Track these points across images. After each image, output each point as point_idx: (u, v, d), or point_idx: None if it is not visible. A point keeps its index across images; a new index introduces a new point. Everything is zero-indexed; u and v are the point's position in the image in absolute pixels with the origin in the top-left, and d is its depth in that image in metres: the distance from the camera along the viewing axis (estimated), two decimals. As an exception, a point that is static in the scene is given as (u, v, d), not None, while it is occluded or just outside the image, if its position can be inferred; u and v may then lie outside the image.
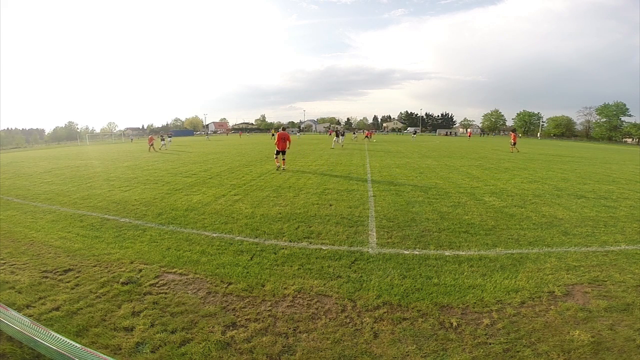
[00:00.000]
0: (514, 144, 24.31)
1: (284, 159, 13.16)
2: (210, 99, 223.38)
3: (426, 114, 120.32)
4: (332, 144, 27.70)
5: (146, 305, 3.33)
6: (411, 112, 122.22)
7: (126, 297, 3.51)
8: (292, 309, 3.31)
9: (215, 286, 3.73)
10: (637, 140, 74.61)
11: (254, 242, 5.07)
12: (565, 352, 2.64)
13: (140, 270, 4.12)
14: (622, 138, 78.81)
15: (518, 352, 2.66)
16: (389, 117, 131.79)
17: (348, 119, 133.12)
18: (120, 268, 4.20)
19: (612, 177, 12.32)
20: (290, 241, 5.10)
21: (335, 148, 25.40)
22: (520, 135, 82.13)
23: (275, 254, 4.62)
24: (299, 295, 3.55)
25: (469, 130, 74.80)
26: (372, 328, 2.97)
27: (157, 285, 3.77)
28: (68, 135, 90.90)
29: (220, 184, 9.94)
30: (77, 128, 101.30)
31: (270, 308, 3.31)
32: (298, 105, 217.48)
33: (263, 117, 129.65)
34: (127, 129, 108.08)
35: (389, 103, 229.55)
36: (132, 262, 4.36)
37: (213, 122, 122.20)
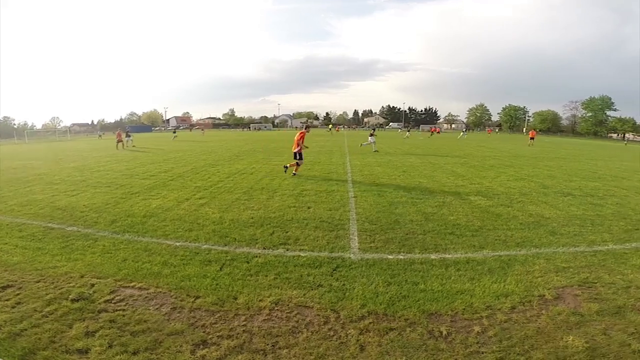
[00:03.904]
0: (532, 138, 32.44)
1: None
2: (170, 89, 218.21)
3: (409, 108, 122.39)
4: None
5: (102, 324, 3.20)
6: (394, 107, 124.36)
7: (78, 315, 3.35)
8: (269, 322, 3.28)
9: (181, 300, 3.64)
10: (621, 135, 79.45)
11: (223, 250, 4.99)
12: (561, 359, 2.76)
13: (93, 285, 3.96)
14: (608, 133, 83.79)
15: None
16: (371, 111, 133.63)
17: (327, 113, 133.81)
18: (69, 283, 4.01)
19: (598, 173, 13.10)
20: (264, 248, 5.06)
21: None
22: (497, 130, 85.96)
23: (247, 262, 4.56)
24: (276, 308, 3.52)
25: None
26: (357, 340, 2.99)
27: (113, 301, 3.63)
28: (3, 132, 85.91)
29: (183, 186, 9.72)
30: (14, 124, 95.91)
31: (244, 323, 3.26)
32: (272, 98, 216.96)
33: (232, 111, 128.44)
34: (74, 124, 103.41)
35: (371, 96, 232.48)
36: (82, 276, 4.18)
37: (175, 117, 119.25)
